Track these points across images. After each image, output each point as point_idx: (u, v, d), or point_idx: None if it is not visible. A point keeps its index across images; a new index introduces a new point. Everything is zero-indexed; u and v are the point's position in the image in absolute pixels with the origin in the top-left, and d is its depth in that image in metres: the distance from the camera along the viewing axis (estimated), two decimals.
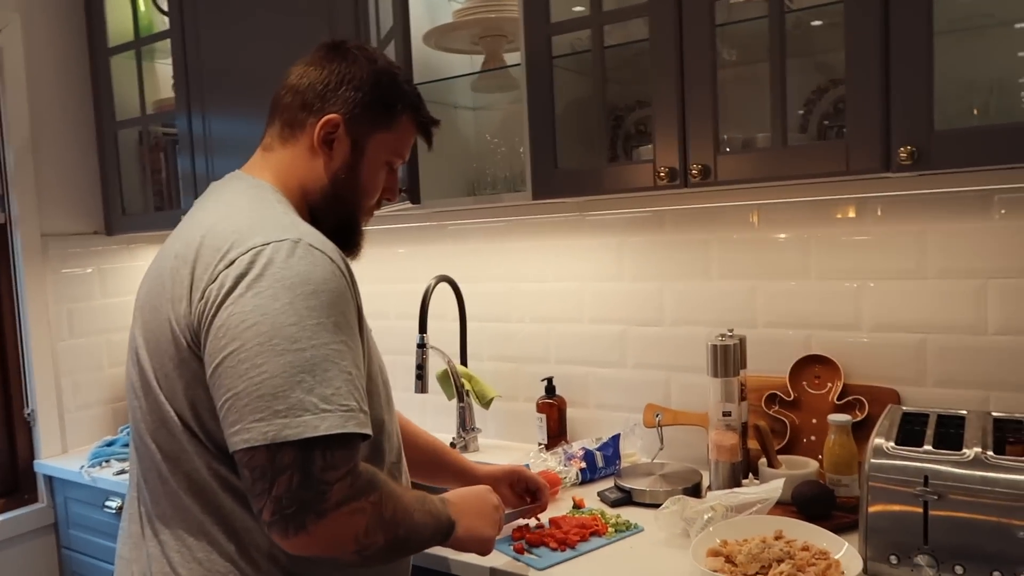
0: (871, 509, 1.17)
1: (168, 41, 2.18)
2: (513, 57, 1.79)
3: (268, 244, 0.90)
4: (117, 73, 2.33)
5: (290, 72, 1.10)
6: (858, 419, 1.52)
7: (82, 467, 2.08)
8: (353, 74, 1.07)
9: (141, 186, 2.42)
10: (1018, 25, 1.35)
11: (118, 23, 2.33)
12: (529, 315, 2.02)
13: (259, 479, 0.85)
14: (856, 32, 1.17)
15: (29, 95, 2.22)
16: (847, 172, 1.20)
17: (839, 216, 1.59)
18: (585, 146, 1.67)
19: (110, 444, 2.18)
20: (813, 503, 1.37)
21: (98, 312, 2.38)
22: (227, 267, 0.89)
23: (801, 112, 1.56)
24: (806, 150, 1.27)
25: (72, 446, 2.30)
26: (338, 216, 1.07)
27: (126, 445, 2.15)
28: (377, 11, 1.70)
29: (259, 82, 1.96)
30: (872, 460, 1.18)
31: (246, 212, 0.97)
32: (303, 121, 1.06)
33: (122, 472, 2.02)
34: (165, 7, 2.18)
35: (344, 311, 0.91)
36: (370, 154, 1.09)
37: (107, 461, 2.12)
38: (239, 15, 1.97)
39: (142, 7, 2.29)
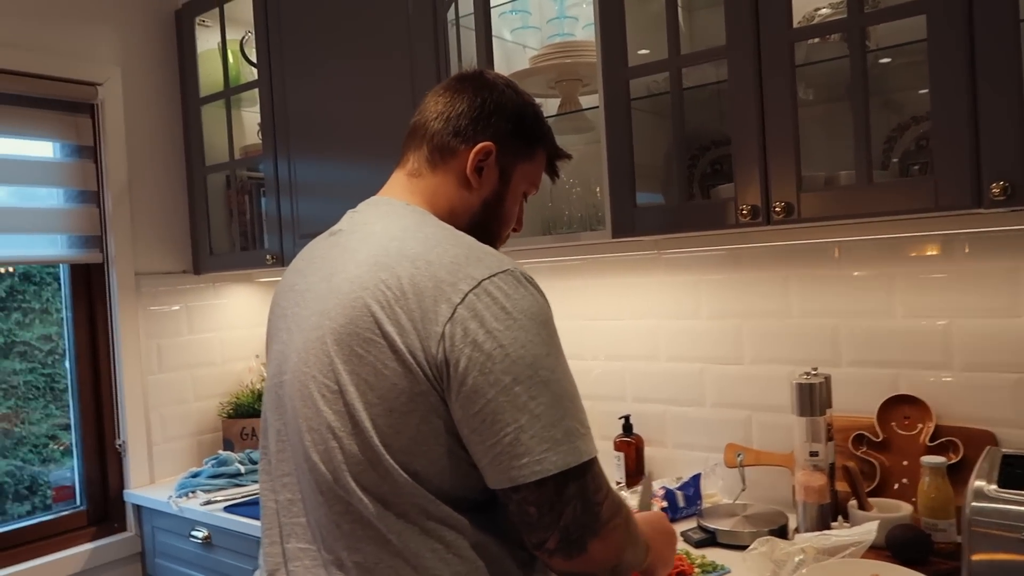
0: (974, 557, 1.13)
1: (255, 91, 2.30)
2: (588, 100, 1.82)
3: (495, 275, 0.91)
4: (207, 121, 2.46)
5: (429, 100, 1.10)
6: (953, 461, 1.47)
7: (169, 497, 2.16)
8: (502, 104, 1.08)
9: (227, 227, 2.53)
10: None
11: (208, 75, 2.46)
12: (604, 352, 2.02)
13: (547, 512, 0.88)
14: (941, 68, 1.17)
15: (127, 143, 2.36)
16: (936, 208, 1.19)
17: (924, 253, 1.56)
18: (663, 185, 1.69)
19: (195, 475, 2.25)
20: (909, 547, 1.33)
21: (184, 348, 2.49)
22: (463, 300, 0.88)
23: (882, 149, 1.55)
24: (892, 187, 1.26)
25: (159, 477, 2.39)
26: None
27: (211, 477, 2.22)
28: (459, 58, 1.76)
29: (342, 128, 2.04)
30: (973, 504, 1.15)
31: (449, 242, 0.95)
32: (455, 148, 1.06)
33: (208, 503, 2.08)
34: (254, 59, 2.31)
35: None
36: (514, 184, 1.10)
37: (193, 492, 2.19)
38: (323, 67, 2.07)
39: (231, 59, 2.42)
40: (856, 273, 1.64)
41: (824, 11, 1.47)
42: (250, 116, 2.55)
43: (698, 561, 1.44)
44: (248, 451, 2.36)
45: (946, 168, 1.17)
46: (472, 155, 1.05)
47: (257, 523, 1.92)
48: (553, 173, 1.19)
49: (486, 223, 1.09)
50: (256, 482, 2.23)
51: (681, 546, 1.54)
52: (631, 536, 0.94)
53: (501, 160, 1.08)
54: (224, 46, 2.38)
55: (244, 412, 2.48)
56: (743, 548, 1.47)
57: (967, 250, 1.52)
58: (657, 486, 1.75)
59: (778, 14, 1.30)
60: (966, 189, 1.15)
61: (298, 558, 0.99)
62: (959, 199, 1.16)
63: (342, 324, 0.93)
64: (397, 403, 0.89)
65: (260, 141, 2.32)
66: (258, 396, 2.51)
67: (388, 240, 0.97)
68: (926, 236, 1.55)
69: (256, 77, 2.27)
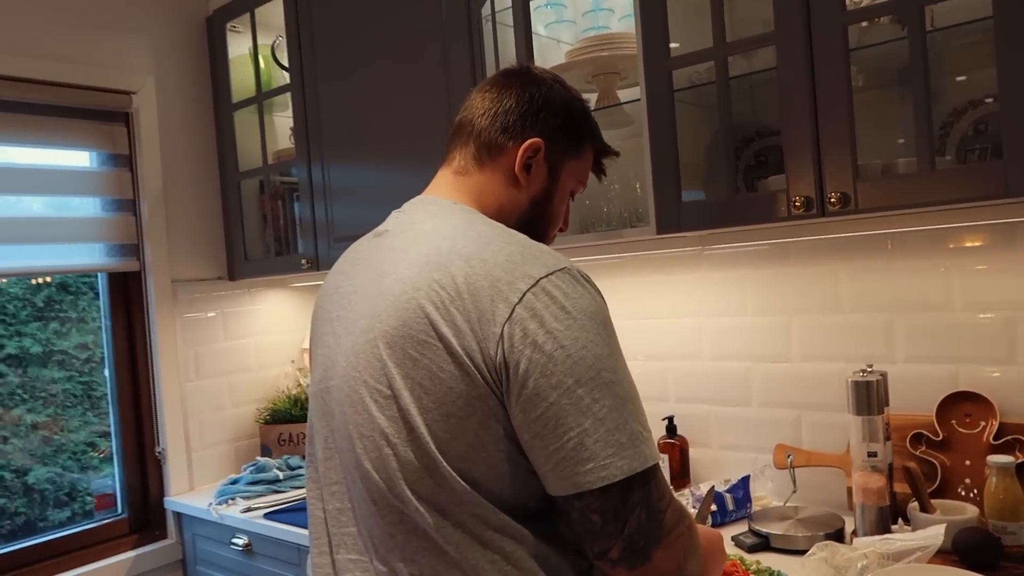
0: None
1: (287, 95, 2.29)
2: (625, 93, 1.78)
3: (552, 273, 0.87)
4: (240, 127, 2.45)
5: (475, 96, 1.07)
6: (1020, 461, 1.41)
7: (210, 504, 2.15)
8: (551, 100, 1.05)
9: (261, 233, 2.52)
10: None
11: (240, 80, 2.46)
12: (644, 352, 1.98)
13: (611, 520, 0.84)
14: (1009, 45, 1.11)
15: (161, 151, 2.37)
16: (1005, 195, 1.13)
17: (982, 243, 1.50)
18: (704, 179, 1.65)
19: (234, 482, 2.25)
20: (979, 552, 1.27)
21: (221, 354, 2.48)
22: (520, 299, 0.85)
23: (938, 136, 1.49)
24: (957, 173, 1.20)
25: (198, 483, 2.39)
26: None
27: (250, 483, 2.22)
28: (497, 55, 1.73)
29: (376, 130, 2.02)
30: None
31: (503, 239, 0.92)
32: (503, 145, 1.03)
33: (248, 510, 2.07)
34: (286, 63, 2.30)
35: None
36: (562, 181, 1.07)
37: (232, 499, 2.18)
38: (356, 69, 2.05)
39: (263, 64, 2.41)
40: (910, 265, 1.58)
41: None
42: (282, 121, 2.55)
43: (753, 567, 1.39)
44: (286, 457, 2.35)
45: (1016, 151, 1.11)
46: (521, 152, 1.02)
47: (298, 530, 1.90)
48: (600, 171, 1.16)
49: (535, 222, 1.06)
50: (296, 488, 2.22)
51: (734, 551, 1.49)
52: (693, 546, 0.90)
53: (550, 157, 1.05)
54: (255, 51, 2.38)
55: (281, 418, 2.47)
56: (798, 553, 1.42)
57: None
58: (705, 488, 1.70)
59: None
60: None
61: (348, 570, 0.96)
62: None
63: (394, 327, 0.90)
64: (454, 407, 0.86)
65: (293, 145, 2.32)
66: (295, 401, 2.50)
67: (439, 239, 0.93)
68: (984, 225, 1.49)
69: (288, 81, 2.26)
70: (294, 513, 2.01)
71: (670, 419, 1.89)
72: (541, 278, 0.86)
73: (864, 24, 1.36)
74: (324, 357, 1.02)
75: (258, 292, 2.59)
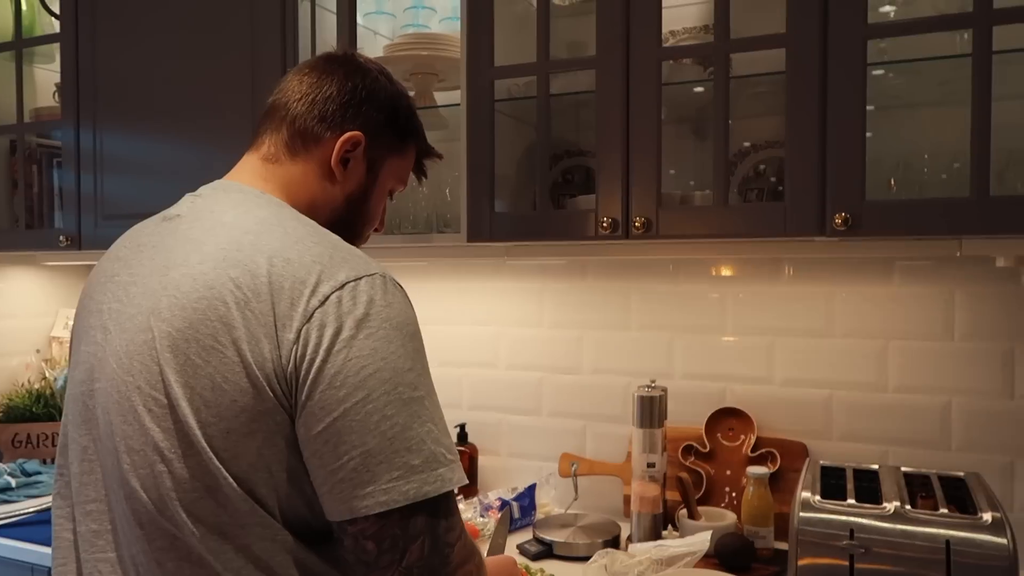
0: (800, 562, 1.20)
1: (55, 45, 2.00)
2: (442, 96, 1.76)
3: (361, 279, 0.81)
4: None
5: (291, 79, 0.99)
6: (772, 471, 1.57)
7: None
8: (375, 92, 0.99)
9: (9, 200, 2.18)
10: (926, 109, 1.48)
11: None
12: (440, 358, 1.96)
13: (388, 550, 0.76)
14: (796, 101, 1.24)
15: None
16: (784, 233, 1.26)
17: (754, 275, 1.66)
18: (512, 191, 1.67)
19: None
20: (737, 555, 1.40)
21: None
22: (322, 304, 0.78)
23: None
24: (746, 210, 1.32)
25: None
26: None
27: None
28: (314, 44, 1.63)
29: (163, 99, 1.82)
30: (801, 513, 1.22)
31: (311, 239, 0.85)
32: (319, 135, 0.96)
33: None
34: (56, 10, 2.00)
35: None
36: (381, 179, 1.02)
37: None
38: (145, 27, 1.84)
39: (24, 6, 2.08)
40: (690, 289, 1.72)
41: (681, 36, 1.52)
42: (46, 74, 2.22)
43: (537, 575, 1.42)
44: (21, 461, 2.04)
45: (796, 196, 1.24)
46: (339, 144, 0.96)
47: (33, 547, 1.65)
48: (421, 172, 1.13)
49: (349, 220, 1.01)
50: (31, 498, 1.93)
51: (519, 560, 1.51)
52: None
53: (370, 152, 1.00)
54: None
55: (18, 416, 2.14)
56: (580, 559, 1.48)
57: (791, 274, 1.63)
58: (493, 496, 1.71)
59: (649, 32, 1.32)
60: (812, 217, 1.22)
61: None
62: (806, 226, 1.23)
63: (179, 328, 0.80)
64: (236, 423, 0.78)
65: (58, 104, 2.02)
66: (37, 397, 2.17)
67: (241, 233, 0.84)
68: (755, 260, 1.65)
69: (57, 30, 1.97)
70: (29, 527, 1.74)
71: (462, 427, 1.89)
72: (348, 282, 0.81)
73: (671, 62, 1.46)
74: (89, 355, 0.89)
75: (2, 269, 2.23)
